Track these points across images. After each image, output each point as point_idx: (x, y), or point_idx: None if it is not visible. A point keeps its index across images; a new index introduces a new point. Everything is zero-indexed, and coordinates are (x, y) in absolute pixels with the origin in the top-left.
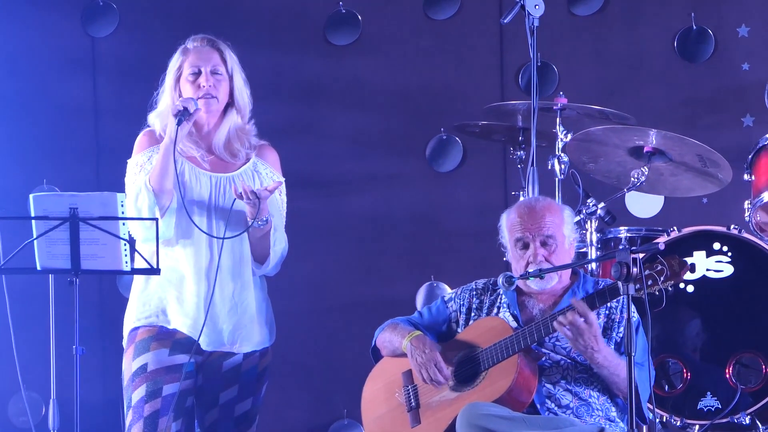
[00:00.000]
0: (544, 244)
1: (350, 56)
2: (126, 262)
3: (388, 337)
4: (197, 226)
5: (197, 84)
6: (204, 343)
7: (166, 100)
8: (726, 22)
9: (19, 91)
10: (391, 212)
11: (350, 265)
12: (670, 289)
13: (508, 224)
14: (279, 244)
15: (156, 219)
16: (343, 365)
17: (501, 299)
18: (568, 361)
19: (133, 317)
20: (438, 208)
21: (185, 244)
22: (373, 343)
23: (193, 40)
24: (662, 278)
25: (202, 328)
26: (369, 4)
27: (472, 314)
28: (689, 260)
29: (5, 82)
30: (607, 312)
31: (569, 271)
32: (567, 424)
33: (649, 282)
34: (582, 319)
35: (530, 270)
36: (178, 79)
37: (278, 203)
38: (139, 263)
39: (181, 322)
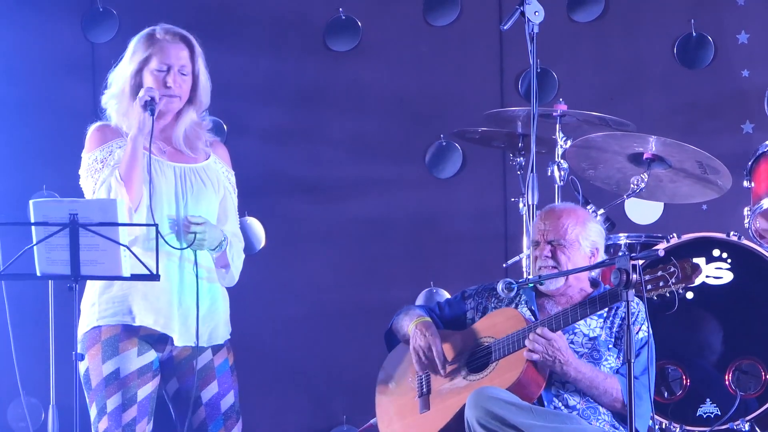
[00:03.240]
0: (552, 244)
1: (350, 62)
2: (125, 268)
3: (400, 322)
4: (163, 238)
5: (164, 81)
6: (176, 339)
7: (124, 85)
8: (726, 29)
9: (19, 96)
10: (390, 218)
11: (350, 271)
12: (681, 291)
13: (534, 222)
14: (238, 258)
15: (156, 225)
16: (342, 371)
17: (520, 298)
18: None
19: (93, 315)
20: (437, 214)
21: (152, 242)
22: (389, 326)
23: (164, 31)
24: (673, 280)
25: (197, 328)
26: (369, 10)
27: (489, 312)
28: None
29: (5, 87)
30: (620, 322)
31: (587, 278)
32: (573, 422)
33: (661, 283)
34: (541, 338)
35: (539, 270)
36: (141, 69)
37: (232, 204)
38: (137, 268)
39: (150, 318)
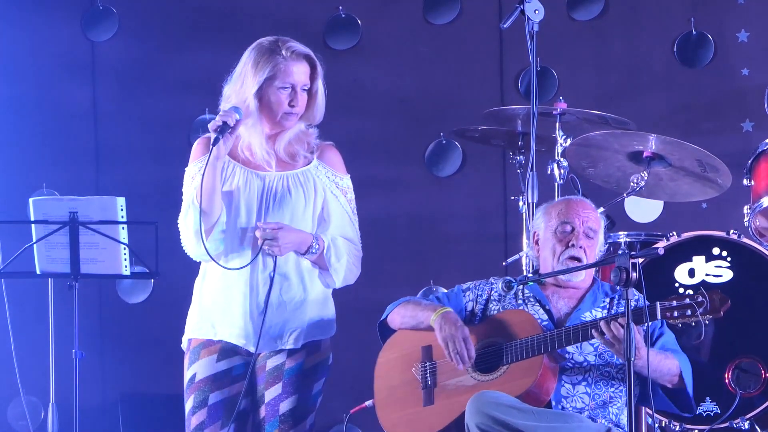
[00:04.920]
0: (587, 235)
1: (350, 61)
2: (126, 267)
3: (410, 312)
4: (213, 259)
5: (288, 100)
6: (250, 348)
7: (248, 100)
8: (726, 28)
9: (19, 95)
10: (390, 217)
11: None
12: (707, 322)
13: (553, 211)
14: (337, 261)
15: (155, 222)
16: (342, 370)
17: (524, 293)
18: (591, 362)
19: (189, 329)
20: (437, 213)
21: (233, 256)
22: (383, 317)
23: (290, 50)
24: (701, 310)
25: (259, 336)
26: (369, 8)
27: (491, 305)
28: (689, 265)
29: (5, 86)
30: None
31: (592, 271)
32: (575, 421)
33: (688, 312)
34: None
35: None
36: (264, 85)
37: (338, 207)
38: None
39: (227, 332)
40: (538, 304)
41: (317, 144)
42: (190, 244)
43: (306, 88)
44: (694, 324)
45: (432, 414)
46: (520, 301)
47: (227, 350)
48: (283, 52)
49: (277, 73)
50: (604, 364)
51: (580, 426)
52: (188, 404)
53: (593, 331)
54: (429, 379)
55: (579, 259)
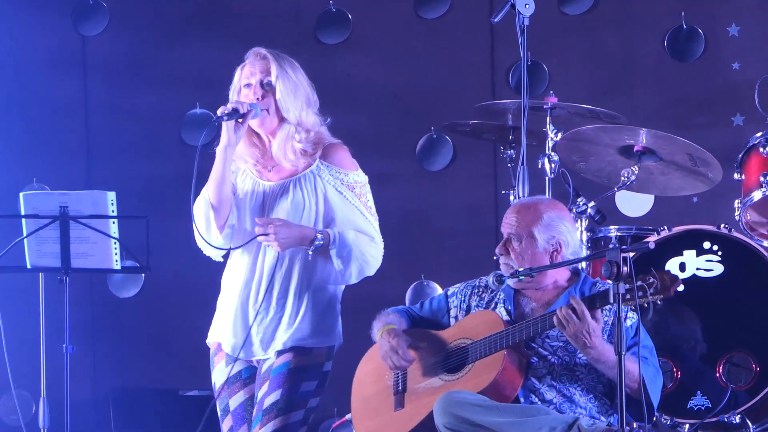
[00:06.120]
0: (507, 241)
1: (340, 55)
2: (116, 261)
3: (374, 327)
4: (204, 239)
5: (246, 96)
6: (241, 353)
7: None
8: (716, 22)
9: (10, 89)
10: (381, 211)
11: None
12: (659, 302)
13: None
14: (343, 250)
15: (146, 217)
16: (333, 364)
17: (499, 296)
18: (554, 359)
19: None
20: (428, 207)
21: (238, 260)
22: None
23: (251, 52)
24: (652, 290)
25: (243, 343)
26: (359, 2)
27: (472, 311)
28: (679, 259)
29: None
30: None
31: (565, 272)
32: (542, 413)
33: (639, 293)
34: (574, 315)
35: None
36: (238, 93)
37: (343, 204)
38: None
39: (223, 337)
40: (503, 305)
41: (322, 143)
42: (199, 239)
43: (265, 83)
44: (645, 305)
45: (402, 417)
46: (492, 305)
47: (230, 355)
48: (246, 57)
49: (241, 76)
50: (569, 360)
51: (546, 417)
52: (219, 410)
53: (552, 319)
54: (400, 384)
55: (506, 263)
